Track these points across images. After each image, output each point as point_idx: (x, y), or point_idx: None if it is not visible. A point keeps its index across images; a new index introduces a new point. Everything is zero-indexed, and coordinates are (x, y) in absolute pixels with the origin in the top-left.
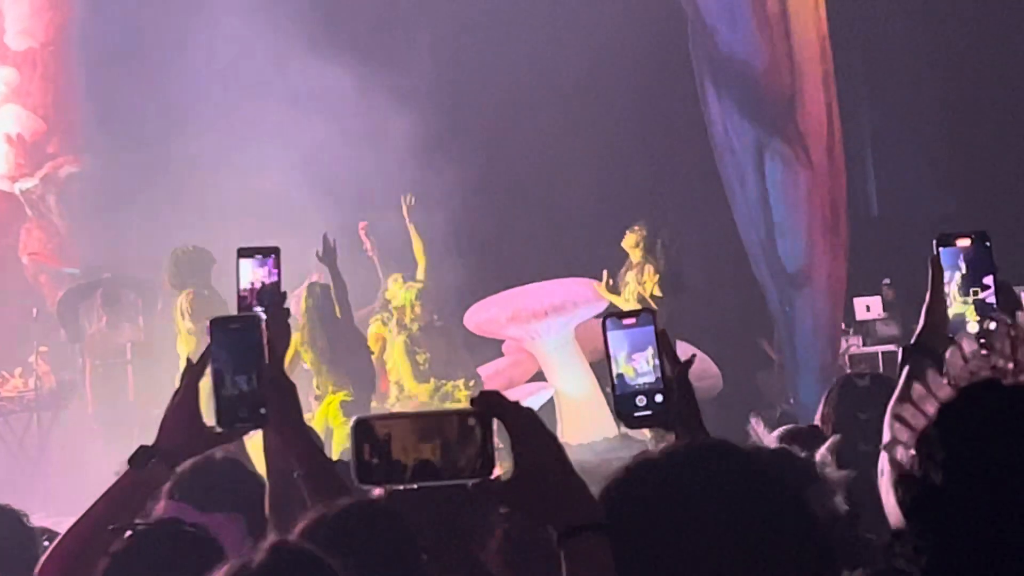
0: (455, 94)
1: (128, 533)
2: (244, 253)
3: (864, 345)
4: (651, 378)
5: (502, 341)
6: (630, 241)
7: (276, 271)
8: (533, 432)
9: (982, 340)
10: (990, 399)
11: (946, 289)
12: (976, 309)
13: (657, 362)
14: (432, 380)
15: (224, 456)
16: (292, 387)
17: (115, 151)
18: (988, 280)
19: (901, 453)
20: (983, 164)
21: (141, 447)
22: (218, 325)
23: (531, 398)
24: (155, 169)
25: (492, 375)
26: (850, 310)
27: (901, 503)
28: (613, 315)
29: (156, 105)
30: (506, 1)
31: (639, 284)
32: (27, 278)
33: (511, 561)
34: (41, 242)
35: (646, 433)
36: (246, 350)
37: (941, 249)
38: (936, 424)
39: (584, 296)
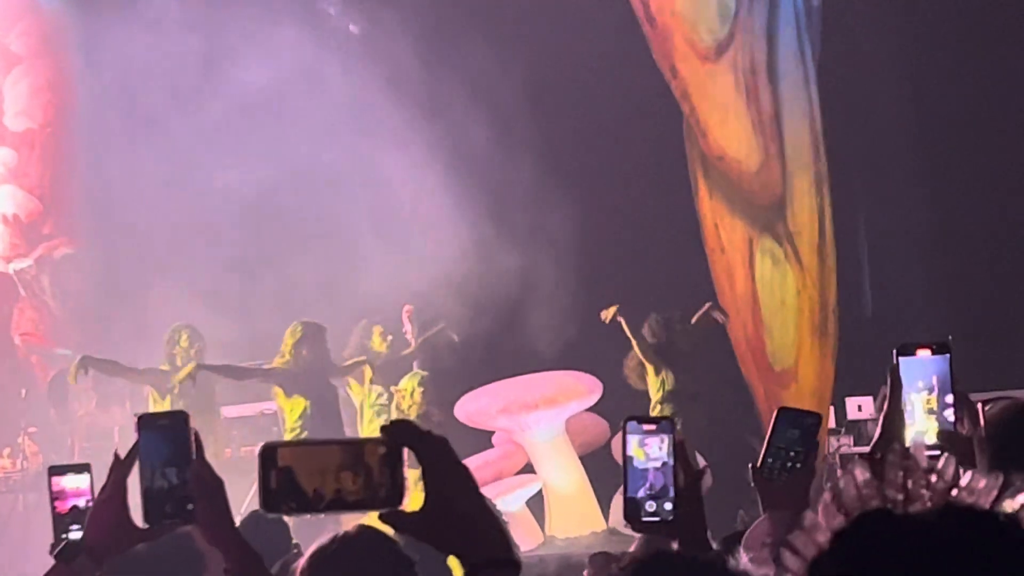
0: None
1: None
2: (55, 471)
3: (855, 445)
4: (664, 485)
5: (492, 432)
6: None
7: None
8: (445, 462)
9: (874, 469)
10: (880, 528)
11: (905, 400)
12: (938, 424)
13: (671, 471)
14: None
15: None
16: (220, 483)
17: (110, 233)
18: (948, 397)
19: None
20: (978, 268)
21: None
22: (145, 421)
23: (519, 490)
24: (149, 252)
25: (480, 466)
26: (842, 410)
27: None
28: (635, 419)
29: (152, 189)
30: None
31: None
32: (18, 358)
33: None
34: (33, 322)
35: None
36: (174, 446)
37: (901, 359)
38: (827, 553)
39: (576, 390)
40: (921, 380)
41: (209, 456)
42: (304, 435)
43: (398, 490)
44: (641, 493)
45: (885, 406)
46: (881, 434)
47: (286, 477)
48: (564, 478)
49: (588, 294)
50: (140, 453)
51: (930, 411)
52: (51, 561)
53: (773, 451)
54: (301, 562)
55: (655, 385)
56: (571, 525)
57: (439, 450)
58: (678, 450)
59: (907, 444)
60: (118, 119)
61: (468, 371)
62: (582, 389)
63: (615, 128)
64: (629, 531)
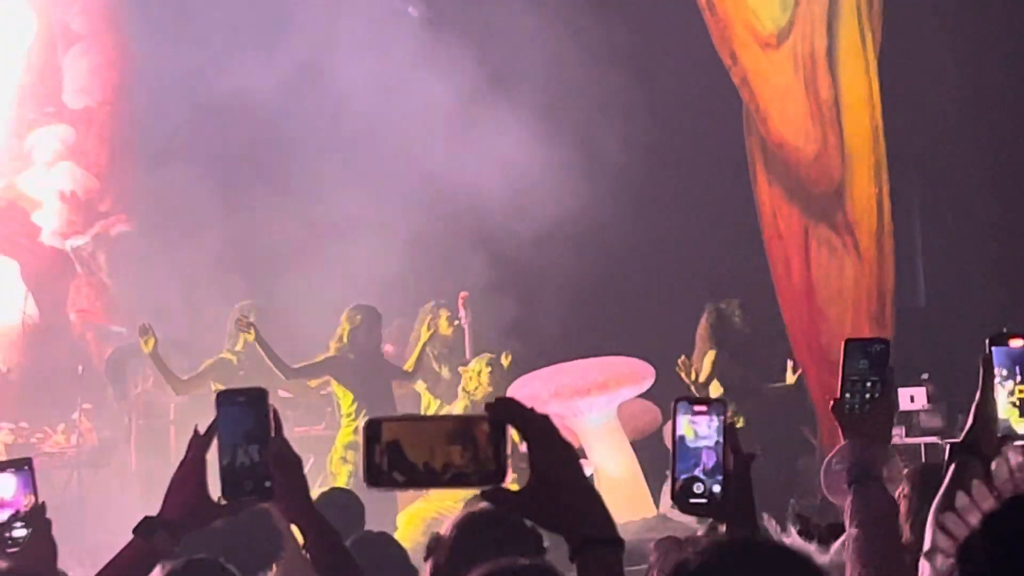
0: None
1: None
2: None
3: (907, 436)
4: (715, 463)
5: None
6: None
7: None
8: (550, 441)
9: None
10: None
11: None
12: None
13: (721, 452)
14: None
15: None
16: (298, 460)
17: (167, 211)
18: None
19: (941, 561)
20: None
21: (146, 518)
22: (225, 397)
23: None
24: (205, 230)
25: None
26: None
27: None
28: (686, 399)
29: (209, 166)
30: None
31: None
32: (74, 335)
33: None
34: (90, 300)
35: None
36: (253, 423)
37: (993, 348)
38: (979, 535)
39: (629, 376)
40: (1006, 369)
41: None
42: (360, 419)
43: (502, 467)
44: (692, 472)
45: (977, 394)
46: (973, 423)
47: (393, 450)
48: (615, 464)
49: (644, 281)
50: (219, 429)
51: (1018, 402)
52: (107, 535)
53: (848, 385)
54: (446, 529)
55: (708, 374)
56: (622, 510)
57: (543, 428)
58: (728, 432)
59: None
60: (176, 97)
61: (521, 356)
62: (635, 375)
63: (672, 115)
64: (680, 517)
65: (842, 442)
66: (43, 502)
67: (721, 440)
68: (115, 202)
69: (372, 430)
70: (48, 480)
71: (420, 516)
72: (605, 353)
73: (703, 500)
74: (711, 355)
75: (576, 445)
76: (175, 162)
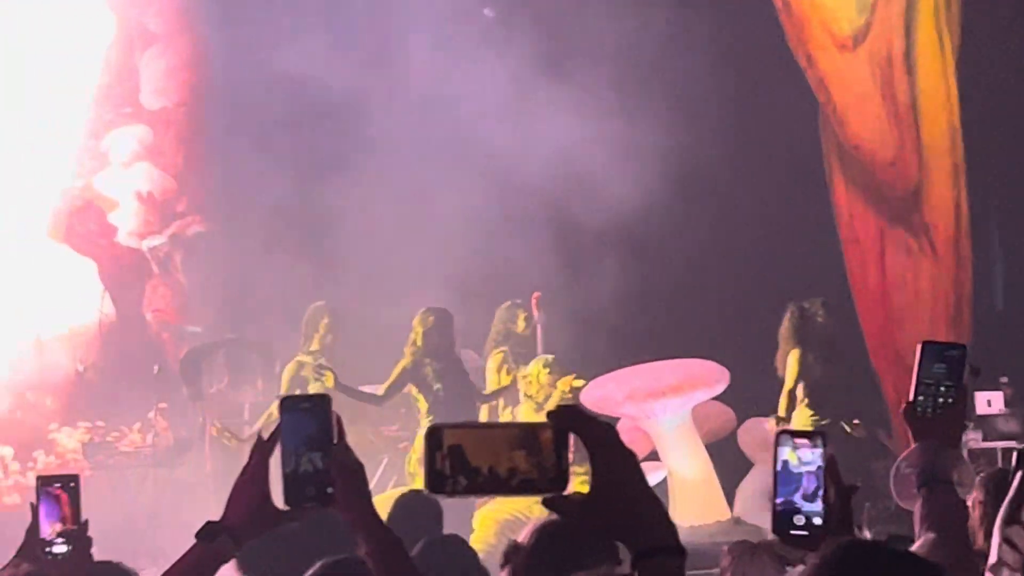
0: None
1: None
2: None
3: (984, 440)
4: (816, 487)
5: (616, 419)
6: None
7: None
8: (612, 448)
9: None
10: None
11: None
12: None
13: (822, 481)
14: None
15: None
16: (360, 467)
17: (243, 212)
18: None
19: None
20: None
21: (209, 523)
22: (288, 404)
23: None
24: (280, 229)
25: None
26: (970, 404)
27: None
28: (787, 432)
29: (283, 165)
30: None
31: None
32: (150, 335)
33: None
34: (166, 300)
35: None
36: (315, 429)
37: None
38: None
39: (704, 378)
40: None
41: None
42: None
43: (564, 475)
44: (793, 499)
45: None
46: None
47: (456, 456)
48: (689, 466)
49: (719, 283)
50: (282, 436)
51: None
52: (180, 534)
53: (923, 388)
54: (525, 536)
55: (794, 374)
56: (695, 513)
57: (606, 436)
58: (830, 465)
59: None
60: (251, 96)
61: (594, 357)
62: (710, 377)
63: (748, 118)
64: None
65: (912, 445)
66: (86, 520)
67: (823, 468)
68: (191, 202)
69: (433, 437)
70: (123, 479)
71: (493, 518)
72: (679, 355)
73: (804, 532)
74: (795, 354)
75: (649, 447)
76: (250, 161)
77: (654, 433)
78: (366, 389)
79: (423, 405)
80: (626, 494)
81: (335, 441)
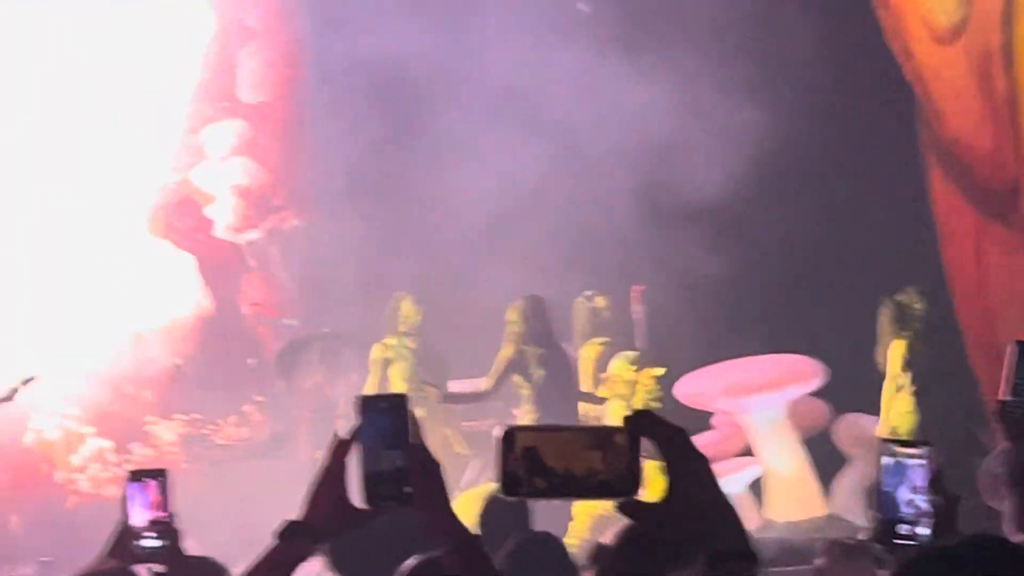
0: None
1: None
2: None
3: None
4: (921, 509)
5: (711, 414)
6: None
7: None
8: (686, 454)
9: None
10: None
11: None
12: None
13: (927, 493)
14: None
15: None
16: (437, 466)
17: (340, 206)
18: None
19: None
20: None
21: (287, 522)
22: (366, 403)
23: (738, 473)
24: (376, 224)
25: (701, 448)
26: None
27: None
28: (891, 441)
29: (380, 159)
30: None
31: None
32: (246, 328)
33: None
34: (262, 293)
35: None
36: (394, 429)
37: None
38: None
39: (799, 373)
40: None
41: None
42: (539, 411)
43: (636, 480)
44: (897, 513)
45: None
46: None
47: (530, 458)
48: (784, 461)
49: (814, 278)
50: (360, 435)
51: None
52: (272, 528)
53: (1015, 387)
54: (611, 538)
55: (898, 365)
56: (791, 509)
57: (680, 441)
58: (936, 475)
59: None
60: (347, 90)
61: (689, 352)
62: (805, 373)
63: (844, 111)
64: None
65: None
66: (176, 514)
67: (928, 482)
68: (288, 196)
69: (506, 439)
70: (219, 471)
71: (587, 512)
72: (774, 350)
73: (909, 542)
74: (897, 344)
75: (744, 441)
76: (346, 156)
77: (749, 428)
78: (455, 384)
79: (526, 391)
80: (699, 500)
81: (413, 440)
